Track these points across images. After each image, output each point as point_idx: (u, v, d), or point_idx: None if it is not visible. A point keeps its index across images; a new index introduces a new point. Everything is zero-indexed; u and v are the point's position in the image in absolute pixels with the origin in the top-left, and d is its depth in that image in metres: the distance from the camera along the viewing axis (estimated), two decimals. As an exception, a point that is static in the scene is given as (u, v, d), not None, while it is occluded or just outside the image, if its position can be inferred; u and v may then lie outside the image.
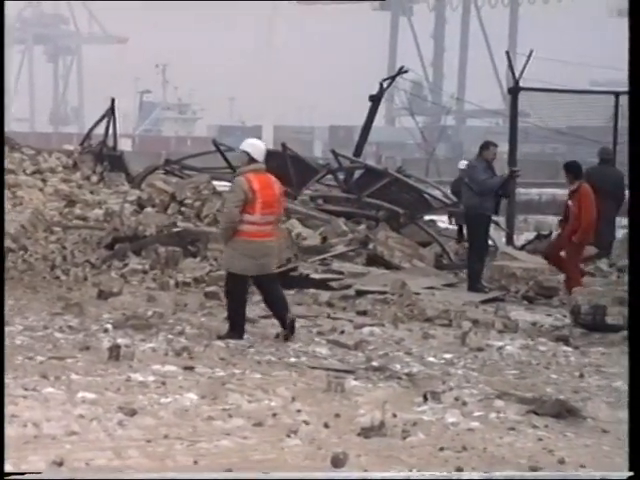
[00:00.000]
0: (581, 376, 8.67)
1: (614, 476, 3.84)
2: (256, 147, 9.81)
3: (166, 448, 6.06)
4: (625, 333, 10.24)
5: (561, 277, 13.30)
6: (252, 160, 9.70)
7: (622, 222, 19.03)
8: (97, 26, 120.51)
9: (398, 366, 8.79)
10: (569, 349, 9.87)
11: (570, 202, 12.82)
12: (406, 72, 23.05)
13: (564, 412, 7.14)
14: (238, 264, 9.71)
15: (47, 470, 2.53)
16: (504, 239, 17.55)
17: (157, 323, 10.18)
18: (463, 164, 18.59)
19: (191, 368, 8.21)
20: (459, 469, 5.89)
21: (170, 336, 9.62)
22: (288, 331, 9.68)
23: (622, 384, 8.35)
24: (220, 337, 9.61)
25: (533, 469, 5.99)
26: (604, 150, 17.13)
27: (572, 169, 13.09)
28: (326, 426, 6.65)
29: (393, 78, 22.55)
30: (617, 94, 19.37)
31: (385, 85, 21.02)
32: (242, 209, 9.60)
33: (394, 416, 6.86)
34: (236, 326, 9.73)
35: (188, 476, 2.29)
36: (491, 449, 6.36)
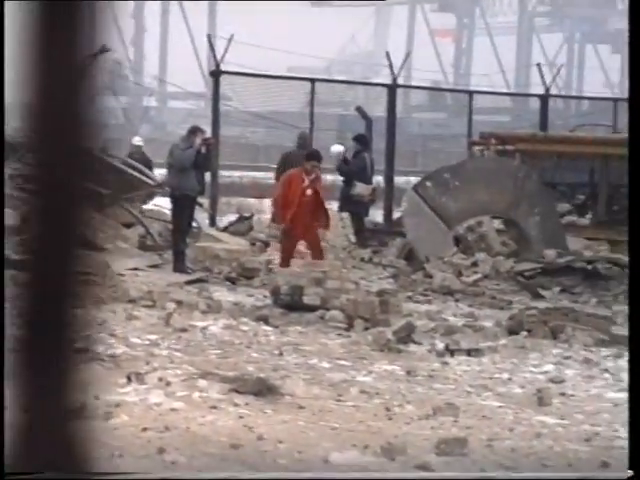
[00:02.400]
0: (280, 354, 8.98)
1: (614, 476, 3.98)
2: None
3: None
4: (320, 312, 10.69)
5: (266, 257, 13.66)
6: None
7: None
8: None
9: (101, 348, 8.74)
10: (269, 328, 10.16)
11: (309, 190, 12.93)
12: (108, 51, 22.74)
13: (264, 390, 7.38)
14: None
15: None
16: (207, 220, 17.77)
17: None
18: (138, 140, 19.74)
19: None
20: (161, 449, 5.98)
21: None
22: None
23: (317, 361, 8.75)
24: None
25: (234, 447, 6.18)
26: (302, 135, 17.71)
27: (319, 157, 13.31)
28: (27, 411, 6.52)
29: (95, 56, 22.20)
30: (313, 81, 20.08)
31: (87, 64, 20.69)
32: None
33: (97, 398, 6.84)
34: None
35: (189, 476, 2.23)
36: (194, 428, 6.49)
